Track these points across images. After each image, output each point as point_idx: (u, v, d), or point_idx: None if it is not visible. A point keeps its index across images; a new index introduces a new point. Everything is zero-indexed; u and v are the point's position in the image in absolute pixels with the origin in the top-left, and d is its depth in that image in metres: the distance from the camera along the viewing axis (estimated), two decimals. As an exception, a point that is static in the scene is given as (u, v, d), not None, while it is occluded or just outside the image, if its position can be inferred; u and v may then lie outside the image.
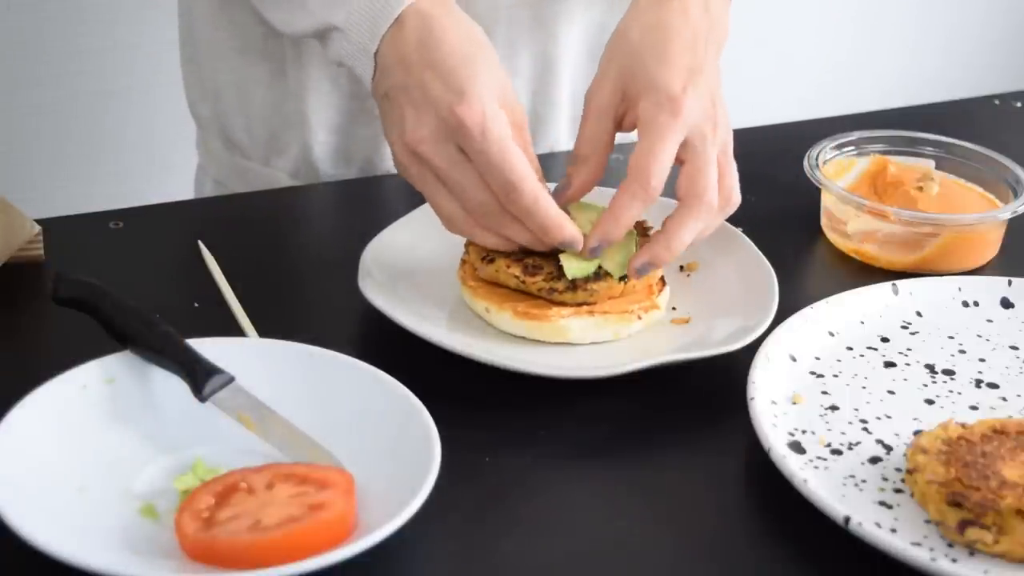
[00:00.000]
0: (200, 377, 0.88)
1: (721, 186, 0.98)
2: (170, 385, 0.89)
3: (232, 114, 1.29)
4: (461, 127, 0.94)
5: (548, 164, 1.28)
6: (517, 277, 0.99)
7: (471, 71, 0.96)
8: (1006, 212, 1.12)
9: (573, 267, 0.99)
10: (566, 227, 0.96)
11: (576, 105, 1.31)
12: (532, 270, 0.99)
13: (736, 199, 1.00)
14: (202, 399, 0.88)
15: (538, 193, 0.95)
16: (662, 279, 1.03)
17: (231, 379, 0.89)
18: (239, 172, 1.31)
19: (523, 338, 0.99)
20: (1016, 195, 1.15)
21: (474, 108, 0.94)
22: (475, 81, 0.95)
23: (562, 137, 1.32)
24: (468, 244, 1.03)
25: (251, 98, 1.27)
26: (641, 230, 1.04)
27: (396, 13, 0.99)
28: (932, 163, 1.21)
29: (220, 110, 1.30)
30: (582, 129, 1.01)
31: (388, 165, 1.28)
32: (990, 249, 1.14)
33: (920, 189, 1.15)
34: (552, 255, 1.00)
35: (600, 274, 0.99)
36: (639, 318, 1.00)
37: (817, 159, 1.16)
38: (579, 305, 0.99)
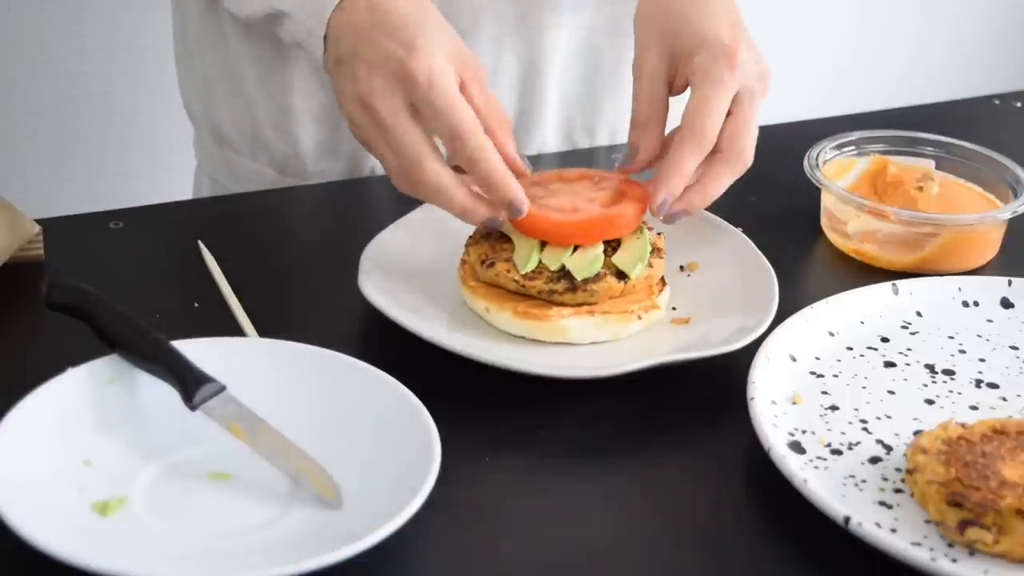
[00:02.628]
0: (191, 386, 0.88)
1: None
2: (170, 386, 0.89)
3: (220, 107, 1.29)
4: (408, 78, 0.95)
5: (536, 166, 1.28)
6: (517, 281, 0.99)
7: (418, 29, 0.97)
8: (1006, 212, 1.12)
9: (581, 268, 0.99)
10: (511, 184, 0.97)
11: (565, 107, 1.31)
12: (532, 275, 0.99)
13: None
14: (192, 408, 0.87)
15: (484, 145, 0.96)
16: (662, 279, 1.03)
17: (222, 388, 0.88)
18: (230, 167, 1.32)
19: (523, 338, 0.99)
20: (1016, 195, 1.15)
21: (422, 61, 0.95)
22: (422, 37, 0.97)
23: (549, 139, 1.31)
24: (468, 245, 1.03)
25: (238, 91, 1.27)
26: (655, 248, 1.03)
27: None
28: (932, 163, 1.21)
29: (210, 104, 1.30)
30: (638, 94, 1.02)
31: (376, 162, 1.28)
32: (990, 249, 1.14)
33: (920, 189, 1.15)
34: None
35: (600, 275, 0.99)
36: (639, 318, 1.00)
37: (817, 159, 1.16)
38: (579, 305, 0.99)
